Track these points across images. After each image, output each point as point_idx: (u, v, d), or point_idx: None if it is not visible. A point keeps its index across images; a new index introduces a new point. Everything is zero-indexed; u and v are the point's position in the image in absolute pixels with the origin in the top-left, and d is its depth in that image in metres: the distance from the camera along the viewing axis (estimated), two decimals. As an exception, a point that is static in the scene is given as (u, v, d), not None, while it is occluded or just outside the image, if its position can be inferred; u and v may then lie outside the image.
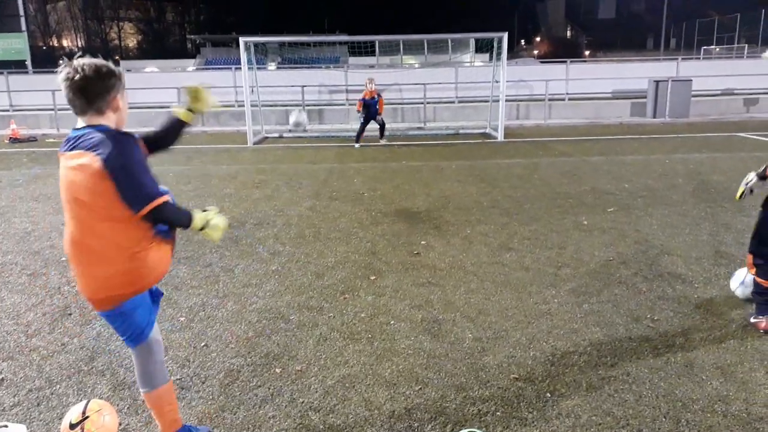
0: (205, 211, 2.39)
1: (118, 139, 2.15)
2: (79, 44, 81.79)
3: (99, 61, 2.20)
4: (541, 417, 2.78)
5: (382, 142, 13.19)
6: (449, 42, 39.78)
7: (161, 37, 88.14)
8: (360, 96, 13.12)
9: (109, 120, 2.22)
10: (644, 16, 74.23)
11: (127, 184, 2.11)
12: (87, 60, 2.18)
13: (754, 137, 12.93)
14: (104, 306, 2.30)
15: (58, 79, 2.16)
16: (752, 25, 44.31)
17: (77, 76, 2.12)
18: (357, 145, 12.78)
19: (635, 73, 20.07)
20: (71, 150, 2.17)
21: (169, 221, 2.28)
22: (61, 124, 17.17)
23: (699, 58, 31.58)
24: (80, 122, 2.21)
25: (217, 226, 2.37)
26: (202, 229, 2.34)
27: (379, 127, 13.20)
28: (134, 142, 2.22)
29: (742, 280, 4.04)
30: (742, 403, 2.85)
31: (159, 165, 10.46)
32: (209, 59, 53.53)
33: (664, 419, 2.74)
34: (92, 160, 2.09)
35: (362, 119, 12.93)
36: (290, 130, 15.63)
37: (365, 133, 13.15)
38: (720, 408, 2.81)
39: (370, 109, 12.82)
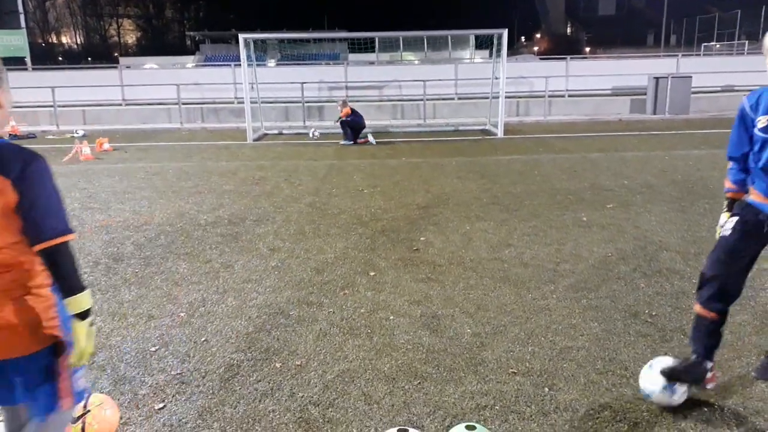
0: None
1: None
2: (78, 41, 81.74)
3: None
4: (539, 411, 2.80)
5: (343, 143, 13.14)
6: (449, 38, 39.83)
7: (160, 33, 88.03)
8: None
9: None
10: (644, 13, 74.19)
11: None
12: None
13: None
14: None
15: None
16: (753, 22, 44.27)
17: None
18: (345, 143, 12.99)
19: (635, 69, 20.04)
20: None
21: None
22: (60, 121, 17.17)
23: (699, 55, 31.58)
24: None
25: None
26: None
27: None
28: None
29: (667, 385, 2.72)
30: (739, 397, 2.87)
31: (158, 162, 10.49)
32: (208, 56, 53.56)
33: (661, 413, 2.75)
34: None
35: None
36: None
37: (361, 138, 13.21)
38: (717, 402, 2.83)
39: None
